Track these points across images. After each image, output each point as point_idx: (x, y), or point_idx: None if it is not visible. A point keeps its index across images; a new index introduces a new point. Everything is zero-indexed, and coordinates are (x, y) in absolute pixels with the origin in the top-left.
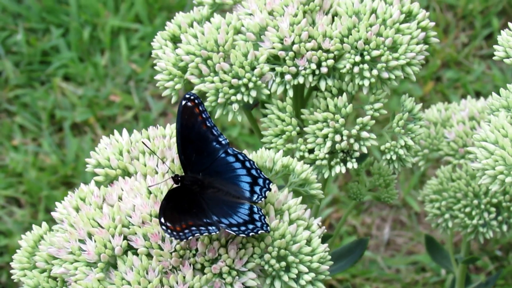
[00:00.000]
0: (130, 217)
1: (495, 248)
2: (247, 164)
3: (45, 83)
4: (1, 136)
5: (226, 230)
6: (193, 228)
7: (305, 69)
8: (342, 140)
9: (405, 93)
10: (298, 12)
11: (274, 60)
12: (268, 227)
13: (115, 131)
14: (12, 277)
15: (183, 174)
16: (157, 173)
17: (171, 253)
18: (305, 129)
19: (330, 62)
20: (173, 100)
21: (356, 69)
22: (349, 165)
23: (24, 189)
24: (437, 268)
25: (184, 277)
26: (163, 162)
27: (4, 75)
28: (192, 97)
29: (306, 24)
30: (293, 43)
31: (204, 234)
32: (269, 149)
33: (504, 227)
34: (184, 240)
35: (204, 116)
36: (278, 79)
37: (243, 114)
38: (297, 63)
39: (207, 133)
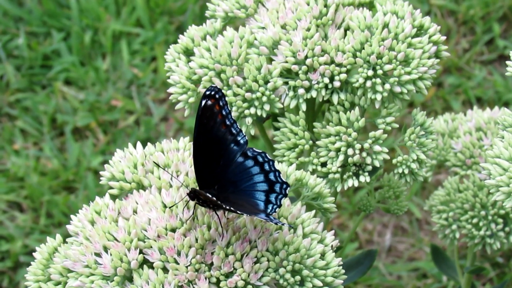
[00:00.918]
0: (146, 230)
1: (496, 255)
2: (266, 166)
3: (46, 87)
4: (3, 140)
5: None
6: None
7: (318, 83)
8: (354, 153)
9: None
10: (311, 26)
11: (287, 74)
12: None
13: (130, 144)
14: None
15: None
16: (171, 186)
17: (186, 267)
18: (317, 142)
19: (343, 76)
20: (186, 113)
21: (368, 83)
22: (362, 178)
23: (25, 193)
24: (439, 275)
25: None
26: (177, 176)
27: (5, 79)
28: (212, 92)
29: (319, 38)
30: (306, 57)
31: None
32: (281, 162)
33: None
34: None
35: (224, 112)
36: (291, 93)
37: (255, 127)
38: (310, 77)
39: (225, 135)
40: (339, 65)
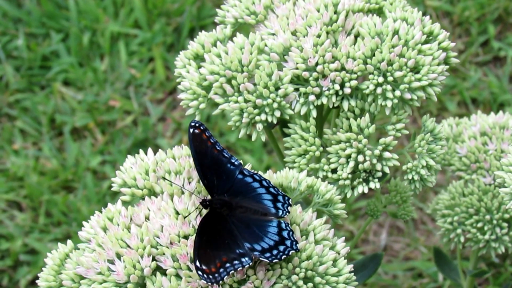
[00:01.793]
0: (158, 237)
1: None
2: (264, 183)
3: (45, 87)
4: (2, 140)
5: (260, 258)
6: (227, 265)
7: (328, 89)
8: (365, 160)
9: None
10: (322, 33)
11: (297, 80)
12: (298, 245)
13: (141, 151)
14: None
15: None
16: (183, 193)
17: None
18: (328, 149)
19: (354, 83)
20: (197, 118)
21: (379, 90)
22: (372, 185)
23: (25, 193)
24: (434, 274)
25: None
26: (189, 183)
27: (5, 80)
28: (197, 124)
29: (329, 45)
30: (317, 63)
31: (239, 269)
32: (291, 168)
33: None
34: (220, 281)
35: (212, 141)
36: (302, 100)
37: (266, 134)
38: (320, 84)
39: (219, 156)
40: (350, 71)
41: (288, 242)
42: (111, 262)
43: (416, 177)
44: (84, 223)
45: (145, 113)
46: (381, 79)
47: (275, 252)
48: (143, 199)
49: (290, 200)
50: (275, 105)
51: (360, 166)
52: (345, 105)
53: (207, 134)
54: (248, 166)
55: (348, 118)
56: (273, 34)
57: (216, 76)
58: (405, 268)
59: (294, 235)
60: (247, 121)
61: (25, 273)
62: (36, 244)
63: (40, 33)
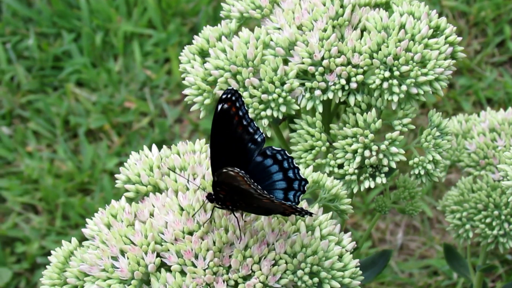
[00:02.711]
0: (163, 234)
1: (505, 252)
2: (285, 164)
3: (58, 88)
4: (15, 142)
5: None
6: None
7: (334, 84)
8: (371, 155)
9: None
10: (328, 27)
11: (303, 75)
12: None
13: (145, 147)
14: None
15: None
16: (188, 189)
17: (204, 270)
18: (334, 144)
19: (360, 77)
20: (202, 115)
21: (385, 85)
22: (378, 180)
23: (40, 196)
24: (449, 272)
25: None
26: (194, 179)
27: (16, 80)
28: (229, 95)
29: (335, 39)
30: (322, 58)
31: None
32: (298, 164)
33: None
34: None
35: (241, 113)
36: (307, 94)
37: (271, 129)
38: (326, 78)
39: (242, 135)
40: (356, 66)
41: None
42: (115, 259)
43: (422, 172)
44: (88, 220)
45: (162, 115)
46: (387, 74)
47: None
48: (148, 195)
49: (306, 186)
50: (280, 100)
51: (366, 161)
52: (352, 100)
53: (237, 105)
54: None
55: (354, 113)
56: (279, 29)
57: (221, 71)
58: (420, 266)
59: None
60: (253, 116)
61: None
62: (53, 246)
63: (51, 32)
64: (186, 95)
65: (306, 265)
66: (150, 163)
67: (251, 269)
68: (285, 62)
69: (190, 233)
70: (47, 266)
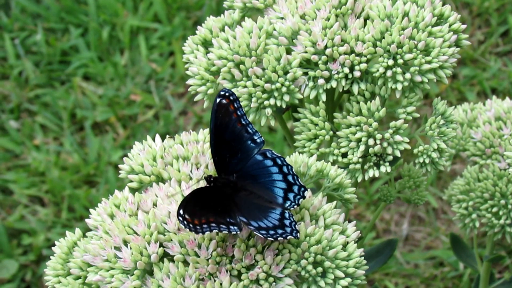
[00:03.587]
0: (166, 224)
1: None
2: (285, 169)
3: (65, 82)
4: (23, 136)
5: (254, 232)
6: (213, 224)
7: (338, 73)
8: (375, 144)
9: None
10: (331, 16)
11: (306, 64)
12: (298, 234)
13: (148, 137)
14: (47, 283)
15: (217, 176)
16: (191, 179)
17: (207, 260)
18: (338, 133)
19: (363, 66)
20: (205, 104)
21: (389, 73)
22: (383, 168)
23: (47, 188)
24: (455, 263)
25: (221, 284)
26: (197, 168)
27: (24, 75)
28: (227, 94)
29: (338, 28)
30: (325, 47)
31: (224, 232)
32: (301, 153)
33: None
34: (200, 233)
35: (239, 113)
36: (311, 83)
37: (275, 118)
38: (330, 67)
39: (241, 132)
40: (359, 54)
41: (288, 229)
42: (118, 249)
43: (427, 160)
44: (91, 210)
45: (167, 107)
46: (391, 62)
47: (271, 232)
48: (151, 185)
49: (305, 192)
50: (284, 89)
51: (370, 150)
52: (355, 88)
53: (235, 105)
54: None
55: (358, 102)
56: (282, 18)
57: (224, 61)
58: (426, 257)
59: (296, 226)
60: (256, 105)
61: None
62: (58, 238)
63: (59, 28)
64: (190, 87)
65: (310, 254)
66: (154, 153)
67: (255, 259)
68: (288, 51)
69: None
70: (51, 257)
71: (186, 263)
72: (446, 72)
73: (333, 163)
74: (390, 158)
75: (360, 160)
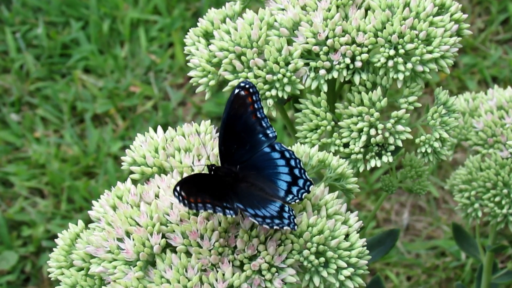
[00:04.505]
0: (168, 215)
1: None
2: (292, 162)
3: (65, 75)
4: (24, 129)
5: (250, 218)
6: (208, 205)
7: (339, 63)
8: (377, 134)
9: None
10: (332, 7)
11: (308, 55)
12: (296, 226)
13: (150, 128)
14: (50, 275)
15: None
16: (193, 170)
17: (210, 250)
18: (340, 123)
19: (365, 56)
20: (207, 96)
21: (390, 63)
22: (384, 158)
23: (47, 180)
24: (457, 253)
25: (223, 275)
26: (199, 160)
27: (25, 68)
28: (247, 86)
29: (339, 19)
30: (327, 37)
31: (218, 213)
32: (303, 144)
33: None
34: (194, 210)
35: (256, 106)
36: (312, 74)
37: (276, 109)
38: (331, 58)
39: (255, 125)
40: (360, 45)
41: (286, 221)
42: (121, 240)
43: (429, 150)
44: (94, 202)
45: (166, 98)
46: (392, 52)
47: (268, 220)
48: (153, 177)
49: (310, 187)
50: (285, 80)
51: (372, 140)
52: (357, 79)
53: (253, 98)
54: None
55: (359, 92)
56: (283, 9)
57: (225, 53)
58: (427, 247)
59: (295, 219)
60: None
61: (48, 259)
62: (58, 230)
63: (59, 21)
64: (190, 78)
65: (312, 244)
66: (156, 145)
67: (257, 249)
68: (289, 42)
69: (196, 214)
70: (54, 249)
71: (188, 254)
72: (448, 62)
73: (335, 154)
74: (392, 148)
75: (362, 150)
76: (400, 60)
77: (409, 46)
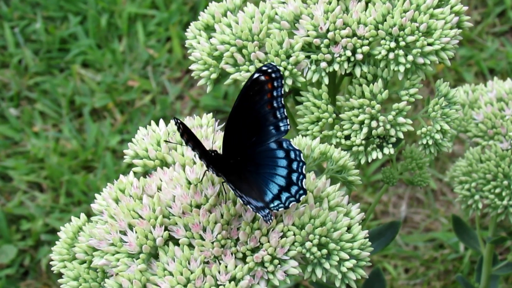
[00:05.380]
0: (171, 207)
1: None
2: (294, 165)
3: (64, 70)
4: (23, 123)
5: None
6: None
7: (340, 56)
8: (378, 126)
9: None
10: (332, 0)
11: (309, 48)
12: (270, 220)
13: (152, 122)
14: (52, 268)
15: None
16: (195, 163)
17: (212, 243)
18: (341, 115)
19: (365, 48)
20: (209, 89)
21: (391, 55)
22: (386, 150)
23: (45, 174)
24: (455, 245)
25: (226, 267)
26: None
27: (24, 63)
28: (269, 70)
29: (340, 12)
30: (327, 30)
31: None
32: (305, 136)
33: None
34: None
35: (275, 94)
36: (313, 67)
37: None
38: (332, 51)
39: (267, 115)
40: (361, 37)
41: (262, 213)
42: (123, 233)
43: (430, 142)
44: (96, 195)
45: (163, 92)
46: (393, 44)
47: (244, 200)
48: (155, 170)
49: (301, 197)
50: (286, 73)
51: (373, 132)
52: (357, 71)
53: (274, 84)
54: None
55: (360, 84)
56: (283, 2)
57: (226, 46)
58: (425, 239)
59: (272, 219)
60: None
61: (46, 252)
62: (57, 223)
63: (58, 16)
64: (188, 72)
65: (315, 236)
66: (158, 138)
67: (259, 241)
68: (290, 35)
69: (198, 206)
70: (55, 242)
71: (191, 246)
72: (448, 54)
73: (336, 146)
74: (393, 139)
75: (363, 142)
76: (401, 52)
77: (410, 39)
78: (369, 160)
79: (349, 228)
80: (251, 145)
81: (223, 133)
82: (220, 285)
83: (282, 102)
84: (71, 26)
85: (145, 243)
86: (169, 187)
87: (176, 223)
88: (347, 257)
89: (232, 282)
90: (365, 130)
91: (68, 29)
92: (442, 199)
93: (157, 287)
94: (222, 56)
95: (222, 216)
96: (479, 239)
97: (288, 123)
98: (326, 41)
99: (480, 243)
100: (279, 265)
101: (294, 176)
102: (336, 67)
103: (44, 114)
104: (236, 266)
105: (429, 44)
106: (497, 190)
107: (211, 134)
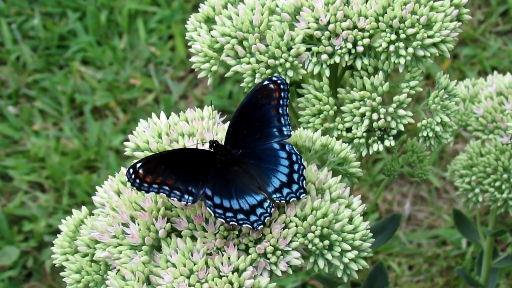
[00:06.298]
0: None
1: None
2: (295, 166)
3: (63, 67)
4: (22, 121)
5: (207, 208)
6: (165, 187)
7: (341, 48)
8: (379, 118)
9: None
10: None
11: (309, 40)
12: (260, 227)
13: (153, 114)
14: (54, 261)
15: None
16: None
17: (215, 234)
18: (342, 108)
19: (366, 41)
20: (209, 81)
21: (391, 48)
22: (387, 142)
23: (47, 174)
24: (458, 242)
25: (229, 258)
26: (203, 144)
27: (22, 60)
28: (279, 81)
29: (341, 4)
30: (328, 22)
31: (173, 198)
32: (306, 128)
33: None
34: (144, 191)
35: (281, 102)
36: (314, 59)
37: None
38: (333, 43)
39: (272, 118)
40: (362, 30)
41: (252, 218)
42: (126, 225)
43: (431, 134)
44: (97, 188)
45: (166, 91)
46: (393, 37)
47: (229, 214)
48: None
49: (302, 195)
50: (287, 65)
51: (374, 124)
52: (358, 63)
53: (281, 94)
54: None
55: (361, 77)
56: None
57: (227, 38)
58: (429, 236)
59: (267, 219)
60: (260, 81)
61: (50, 254)
62: (60, 224)
63: (56, 12)
64: (192, 71)
65: (317, 227)
66: (159, 130)
67: (262, 233)
68: (291, 27)
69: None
70: (58, 236)
71: (193, 238)
72: (448, 46)
73: (338, 138)
74: (394, 132)
75: (365, 134)
76: (401, 44)
77: (410, 31)
78: (370, 152)
79: (350, 220)
80: (255, 140)
81: (225, 125)
82: (223, 276)
83: (287, 111)
84: (70, 22)
85: (148, 235)
86: None
87: (179, 215)
88: (349, 248)
89: (235, 273)
90: (366, 122)
91: (67, 26)
92: (445, 197)
93: (160, 278)
94: (223, 48)
95: None
96: (479, 233)
97: (291, 129)
98: (327, 33)
99: (480, 236)
100: (281, 256)
101: (295, 176)
102: (337, 59)
103: (43, 112)
104: (238, 258)
105: (429, 37)
106: (497, 184)
107: (213, 126)
